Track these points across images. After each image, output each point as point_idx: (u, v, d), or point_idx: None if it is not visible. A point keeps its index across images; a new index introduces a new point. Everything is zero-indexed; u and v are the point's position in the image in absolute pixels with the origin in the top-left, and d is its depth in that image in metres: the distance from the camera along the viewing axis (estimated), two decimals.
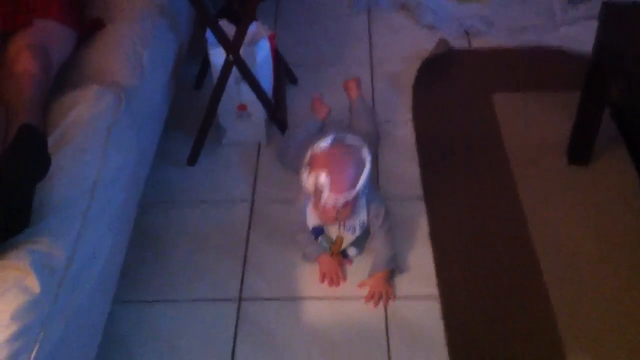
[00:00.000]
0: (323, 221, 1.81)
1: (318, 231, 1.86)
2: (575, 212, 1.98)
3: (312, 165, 1.74)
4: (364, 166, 1.74)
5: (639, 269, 1.82)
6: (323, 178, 1.68)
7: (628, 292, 1.77)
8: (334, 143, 1.78)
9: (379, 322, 1.74)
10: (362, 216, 1.82)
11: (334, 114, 2.23)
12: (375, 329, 1.73)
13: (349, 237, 1.85)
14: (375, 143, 2.16)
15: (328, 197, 1.69)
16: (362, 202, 1.80)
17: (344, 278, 1.85)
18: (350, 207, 1.75)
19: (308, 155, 1.77)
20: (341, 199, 1.70)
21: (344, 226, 1.83)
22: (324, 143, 1.77)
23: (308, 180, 1.72)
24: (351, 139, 1.82)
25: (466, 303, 1.77)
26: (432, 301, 1.78)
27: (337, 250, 1.86)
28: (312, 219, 1.85)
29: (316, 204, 1.75)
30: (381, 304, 1.78)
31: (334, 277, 1.84)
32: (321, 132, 2.15)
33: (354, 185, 1.71)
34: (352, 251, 1.89)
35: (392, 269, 1.84)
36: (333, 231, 1.85)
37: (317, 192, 1.71)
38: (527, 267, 1.84)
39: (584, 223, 1.95)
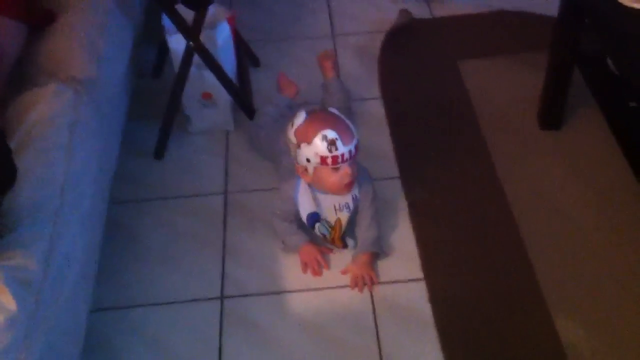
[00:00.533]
0: (337, 191, 1.73)
1: (314, 218, 1.79)
2: (550, 175, 1.98)
3: (306, 134, 1.65)
4: (350, 124, 1.70)
5: (618, 228, 1.83)
6: (332, 133, 1.62)
7: (609, 252, 1.77)
8: (308, 113, 1.71)
9: (366, 308, 1.71)
10: (354, 190, 1.77)
11: (302, 95, 2.17)
12: (363, 315, 1.70)
13: (345, 217, 1.79)
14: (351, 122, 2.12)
15: (343, 149, 1.63)
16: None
17: (327, 265, 1.81)
18: (356, 164, 1.71)
19: (291, 134, 1.69)
20: (353, 148, 1.65)
21: (339, 207, 1.77)
22: (301, 116, 1.70)
23: (315, 146, 1.63)
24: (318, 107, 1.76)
25: (451, 280, 1.75)
26: (417, 283, 1.75)
27: (338, 235, 1.80)
28: (306, 206, 1.78)
29: (326, 175, 1.67)
30: (366, 289, 1.75)
31: (316, 266, 1.79)
32: (291, 111, 2.09)
33: (354, 133, 1.68)
34: (351, 242, 1.83)
35: (376, 252, 1.80)
36: (330, 215, 1.78)
37: (330, 159, 1.63)
38: (508, 237, 1.82)
39: (560, 186, 1.94)
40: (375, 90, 2.31)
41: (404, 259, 1.81)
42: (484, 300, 1.70)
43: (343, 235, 1.81)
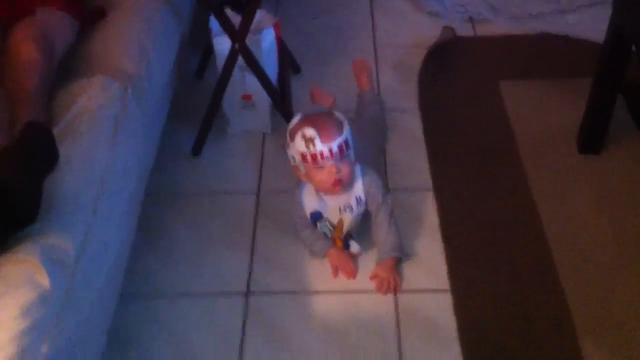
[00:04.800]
0: (327, 190, 1.73)
1: (317, 216, 1.80)
2: (587, 202, 1.95)
3: (292, 134, 1.67)
4: (341, 122, 1.70)
5: None
6: (310, 131, 1.63)
7: None
8: (304, 114, 1.73)
9: (390, 316, 1.72)
10: (357, 190, 1.77)
11: (339, 104, 2.19)
12: (387, 323, 1.70)
13: (348, 218, 1.80)
14: (383, 133, 2.13)
15: (322, 147, 1.63)
16: (357, 171, 1.75)
17: (356, 270, 1.82)
18: (347, 163, 1.69)
19: (287, 134, 1.71)
20: (335, 147, 1.64)
21: (343, 208, 1.78)
22: (297, 117, 1.72)
23: (295, 144, 1.65)
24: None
25: (478, 297, 1.74)
26: (443, 294, 1.75)
27: (340, 235, 1.82)
28: (310, 204, 1.79)
29: (319, 171, 1.68)
30: (391, 295, 1.75)
31: (348, 269, 1.81)
32: None
33: (340, 131, 1.66)
34: (354, 247, 1.85)
35: (400, 257, 1.81)
36: (334, 215, 1.79)
37: (309, 157, 1.64)
38: (541, 261, 1.80)
39: (597, 214, 1.92)
40: (412, 104, 2.32)
41: (431, 269, 1.81)
42: (509, 317, 1.68)
43: (345, 237, 1.82)
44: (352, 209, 1.79)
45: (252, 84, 2.10)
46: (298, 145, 1.65)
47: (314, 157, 1.64)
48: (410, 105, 2.31)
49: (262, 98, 2.15)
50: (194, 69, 2.43)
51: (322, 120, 1.68)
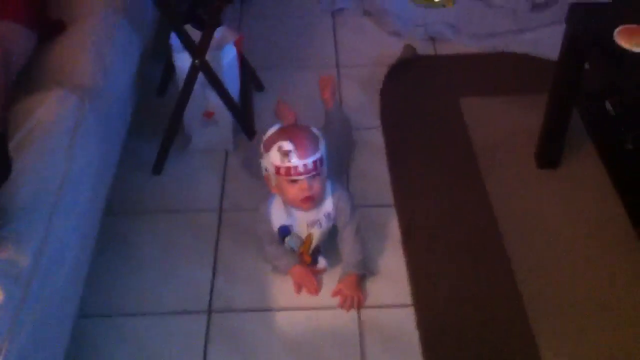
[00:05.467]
0: (297, 205, 1.72)
1: (285, 231, 1.79)
2: (545, 215, 1.98)
3: (268, 144, 1.67)
4: (317, 137, 1.70)
5: (610, 265, 1.83)
6: (287, 144, 1.63)
7: (600, 288, 1.78)
8: (281, 126, 1.74)
9: (354, 331, 1.71)
10: (326, 206, 1.77)
11: (302, 122, 2.19)
12: (350, 337, 1.69)
13: (317, 233, 1.79)
14: (349, 149, 2.15)
15: (297, 162, 1.63)
16: (328, 189, 1.76)
17: (319, 287, 1.81)
18: (319, 181, 1.69)
19: (262, 144, 1.72)
20: (310, 163, 1.64)
21: (311, 223, 1.78)
22: (274, 127, 1.73)
23: (270, 156, 1.65)
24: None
25: (440, 311, 1.74)
26: (406, 309, 1.75)
27: (307, 251, 1.81)
28: (278, 218, 1.78)
29: (291, 185, 1.68)
30: (354, 310, 1.75)
31: (311, 286, 1.80)
32: None
33: (316, 148, 1.67)
34: (322, 263, 1.84)
35: (363, 274, 1.81)
36: (302, 230, 1.79)
37: (283, 170, 1.64)
38: (501, 273, 1.82)
39: (554, 227, 1.95)
40: (376, 121, 2.33)
41: (394, 284, 1.81)
42: (472, 330, 1.69)
43: (313, 252, 1.81)
44: (320, 224, 1.78)
45: (214, 100, 2.09)
46: (273, 157, 1.64)
47: (288, 170, 1.64)
48: (373, 121, 2.33)
49: (224, 115, 2.14)
50: (157, 84, 2.41)
51: (299, 134, 1.68)
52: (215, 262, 1.87)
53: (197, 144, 2.21)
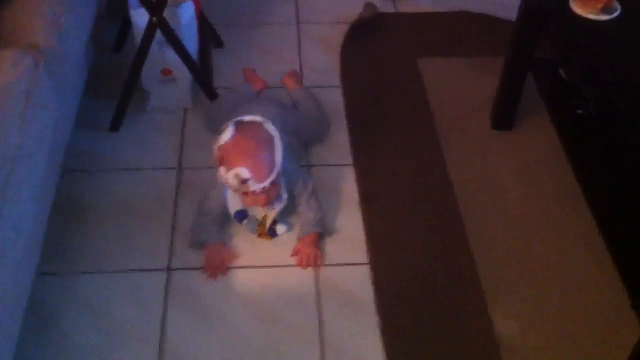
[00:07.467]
0: (254, 205, 1.79)
1: (242, 215, 1.83)
2: (498, 174, 2.03)
3: (225, 161, 1.71)
4: (273, 139, 1.73)
5: (560, 229, 1.89)
6: (245, 173, 1.67)
7: (550, 251, 1.84)
8: (236, 130, 1.73)
9: (311, 290, 1.74)
10: (282, 193, 1.82)
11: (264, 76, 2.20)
12: (307, 296, 1.73)
13: (273, 213, 1.83)
14: (324, 128, 2.15)
15: (256, 187, 1.70)
16: (283, 185, 1.81)
17: (225, 274, 1.78)
18: (277, 185, 1.77)
19: (215, 147, 1.74)
20: (267, 183, 1.71)
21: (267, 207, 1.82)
22: (227, 135, 1.73)
23: (229, 178, 1.70)
24: (250, 118, 1.78)
25: (395, 268, 1.79)
26: (362, 267, 1.79)
27: (265, 231, 1.84)
28: (234, 205, 1.82)
29: (246, 195, 1.74)
30: (312, 269, 1.78)
31: (216, 272, 1.76)
32: (257, 100, 2.16)
33: (273, 168, 1.71)
34: (281, 229, 1.86)
35: (321, 233, 1.84)
36: (258, 212, 1.83)
37: (243, 186, 1.70)
38: (453, 231, 1.87)
39: (506, 185, 2.00)
40: (336, 80, 2.34)
41: (352, 244, 1.85)
42: (425, 290, 1.74)
43: (271, 229, 1.84)
44: (275, 207, 1.83)
45: (172, 58, 2.07)
46: (230, 181, 1.70)
47: (245, 194, 1.74)
48: (332, 81, 2.33)
49: (182, 73, 2.12)
50: (114, 43, 2.37)
51: (253, 149, 1.70)
52: (174, 221, 1.88)
53: (155, 102, 2.19)
